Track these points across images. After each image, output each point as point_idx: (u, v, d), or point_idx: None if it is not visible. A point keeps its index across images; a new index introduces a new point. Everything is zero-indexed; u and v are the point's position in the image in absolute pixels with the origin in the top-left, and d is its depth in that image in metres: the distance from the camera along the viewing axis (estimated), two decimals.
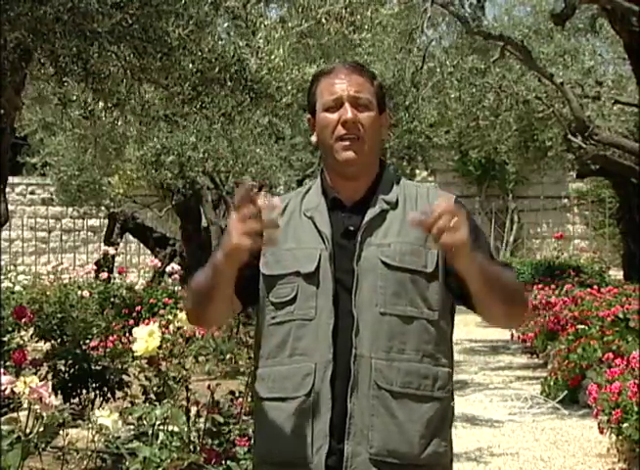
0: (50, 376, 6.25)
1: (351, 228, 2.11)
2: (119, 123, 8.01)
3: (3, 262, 16.55)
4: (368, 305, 2.05)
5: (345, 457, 2.02)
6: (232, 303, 2.16)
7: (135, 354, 3.94)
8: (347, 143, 2.10)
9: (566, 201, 22.47)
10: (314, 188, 2.22)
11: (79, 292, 10.85)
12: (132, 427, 4.64)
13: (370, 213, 2.12)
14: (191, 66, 5.52)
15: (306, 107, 2.26)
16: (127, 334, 8.31)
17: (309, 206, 2.18)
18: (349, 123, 2.09)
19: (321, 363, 2.04)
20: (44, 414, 3.33)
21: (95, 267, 13.37)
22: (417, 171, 17.18)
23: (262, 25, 5.80)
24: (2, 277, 11.52)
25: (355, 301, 2.05)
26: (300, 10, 6.12)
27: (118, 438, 4.51)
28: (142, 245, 17.42)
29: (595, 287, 11.86)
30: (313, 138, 2.20)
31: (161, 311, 9.62)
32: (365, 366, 2.03)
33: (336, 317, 2.05)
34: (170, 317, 4.98)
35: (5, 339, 7.24)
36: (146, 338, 3.42)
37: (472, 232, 2.07)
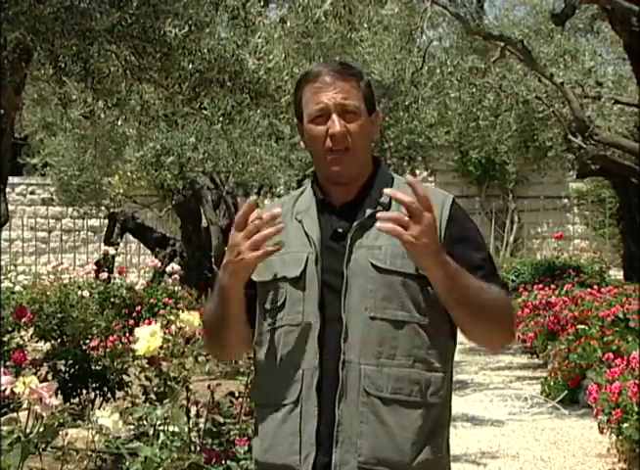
0: (50, 376, 6.25)
1: (340, 230, 2.07)
2: (119, 123, 8.01)
3: (3, 262, 16.54)
4: (357, 310, 2.00)
5: (333, 466, 1.97)
6: (248, 326, 2.15)
7: (136, 354, 3.94)
8: (337, 156, 2.06)
9: (566, 201, 22.46)
10: (307, 191, 2.18)
11: (79, 292, 10.83)
12: (132, 427, 4.64)
13: (361, 215, 2.07)
14: (190, 66, 5.52)
15: None
16: (127, 334, 8.31)
17: (300, 209, 2.14)
18: (338, 137, 2.04)
19: (308, 370, 2.00)
20: (44, 414, 3.32)
21: (95, 267, 13.35)
22: (417, 171, 17.15)
23: (262, 25, 5.80)
24: (2, 277, 11.52)
25: (344, 305, 2.01)
26: (300, 9, 6.12)
27: (119, 438, 4.50)
28: (142, 245, 17.42)
29: (595, 287, 11.86)
30: (302, 144, 2.17)
31: (162, 311, 9.61)
32: (354, 372, 1.98)
33: (323, 322, 2.01)
34: (171, 317, 4.98)
35: (5, 339, 7.24)
36: (148, 338, 3.42)
37: (461, 234, 2.07)
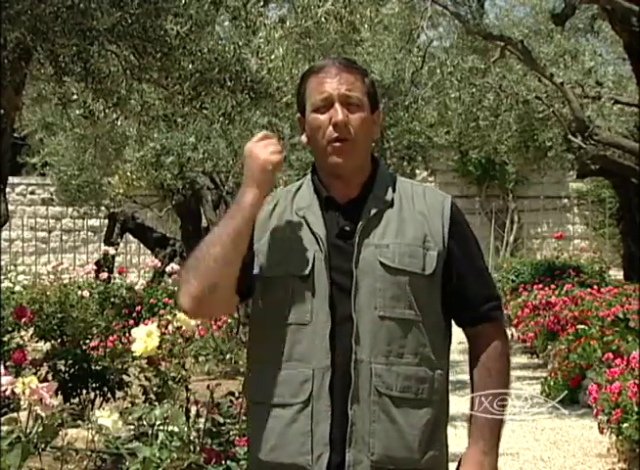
0: (50, 376, 6.24)
1: (347, 228, 2.06)
2: (119, 123, 8.01)
3: (3, 262, 16.53)
4: (367, 309, 2.00)
5: (347, 465, 1.98)
6: (236, 276, 2.05)
7: (134, 355, 3.94)
8: (338, 146, 2.05)
9: (566, 201, 22.44)
10: (305, 186, 2.16)
11: (79, 292, 10.83)
12: (132, 427, 4.64)
13: (367, 213, 2.06)
14: (191, 66, 5.51)
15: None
16: (127, 334, 8.30)
17: (301, 205, 2.11)
18: (340, 125, 2.04)
19: (319, 369, 1.99)
20: (44, 414, 3.32)
21: (95, 267, 13.36)
22: (417, 171, 17.13)
23: (262, 25, 5.79)
24: (2, 277, 11.51)
25: (355, 304, 2.00)
26: (300, 10, 6.11)
27: (118, 438, 4.50)
28: (142, 245, 17.40)
29: (595, 287, 11.85)
30: (303, 138, 2.14)
31: (161, 311, 9.60)
32: (365, 371, 1.99)
33: (332, 321, 2.00)
34: (168, 317, 4.97)
35: (5, 339, 7.23)
36: (144, 338, 3.42)
37: (463, 248, 2.12)
